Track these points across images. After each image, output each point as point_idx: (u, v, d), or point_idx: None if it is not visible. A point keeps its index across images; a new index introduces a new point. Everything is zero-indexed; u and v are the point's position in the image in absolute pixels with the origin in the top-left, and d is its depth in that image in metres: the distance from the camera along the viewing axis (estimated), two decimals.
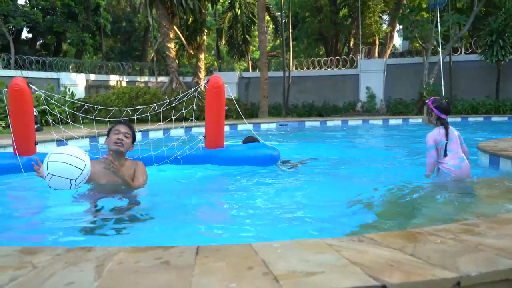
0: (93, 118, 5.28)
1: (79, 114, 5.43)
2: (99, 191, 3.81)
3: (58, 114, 5.85)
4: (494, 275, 1.47)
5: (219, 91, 5.31)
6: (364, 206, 3.68)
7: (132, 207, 3.51)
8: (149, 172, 4.14)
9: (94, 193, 3.77)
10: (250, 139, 5.90)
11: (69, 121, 5.48)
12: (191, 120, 5.93)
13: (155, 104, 5.68)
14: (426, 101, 4.48)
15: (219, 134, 5.46)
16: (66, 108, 5.78)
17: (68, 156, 3.41)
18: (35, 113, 9.77)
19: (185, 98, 5.31)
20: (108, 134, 4.00)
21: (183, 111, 5.55)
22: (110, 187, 3.83)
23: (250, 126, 14.26)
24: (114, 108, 5.50)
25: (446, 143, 4.30)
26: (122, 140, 3.87)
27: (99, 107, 5.71)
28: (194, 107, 5.37)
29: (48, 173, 3.37)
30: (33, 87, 5.21)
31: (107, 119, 5.28)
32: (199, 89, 5.06)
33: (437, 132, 4.29)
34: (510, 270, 1.50)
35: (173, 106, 5.57)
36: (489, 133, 10.46)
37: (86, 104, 5.49)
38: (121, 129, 3.93)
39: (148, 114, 5.56)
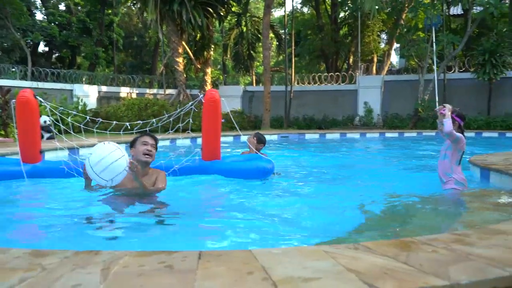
0: (107, 131, 5.36)
1: (92, 126, 5.42)
2: (120, 195, 3.91)
3: (70, 123, 6.01)
4: (483, 284, 1.49)
5: (215, 105, 5.37)
6: (360, 215, 3.73)
7: (149, 212, 3.59)
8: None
9: (114, 198, 3.86)
10: (258, 135, 5.89)
11: (81, 129, 5.55)
12: (187, 131, 5.92)
13: (154, 120, 5.66)
14: (445, 112, 4.15)
15: (215, 146, 5.48)
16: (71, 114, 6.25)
17: (108, 156, 3.50)
18: (49, 122, 10.42)
19: (183, 112, 5.37)
20: (132, 145, 4.10)
21: (190, 120, 5.49)
22: (130, 192, 3.92)
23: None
24: (126, 124, 5.48)
25: (463, 153, 4.26)
26: (151, 151, 3.99)
27: (114, 122, 5.79)
28: (191, 120, 5.40)
29: (108, 180, 3.55)
30: (39, 98, 5.34)
31: (123, 132, 5.46)
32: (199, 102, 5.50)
33: (464, 139, 4.18)
34: (499, 279, 1.52)
35: (180, 117, 5.35)
36: (481, 148, 10.45)
37: (99, 119, 5.76)
38: (149, 141, 4.03)
39: (159, 124, 5.44)
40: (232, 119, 6.28)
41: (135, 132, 5.51)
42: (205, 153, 5.46)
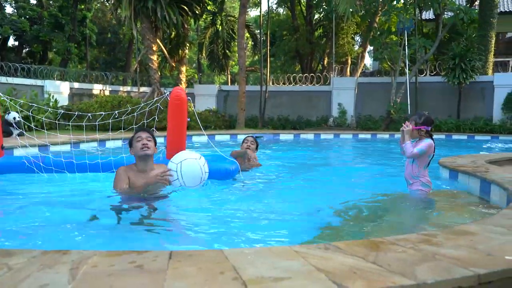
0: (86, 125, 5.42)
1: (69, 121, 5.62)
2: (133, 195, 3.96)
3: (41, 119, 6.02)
4: (449, 283, 1.53)
5: (181, 103, 5.30)
6: (331, 215, 3.77)
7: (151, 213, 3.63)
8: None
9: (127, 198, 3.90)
10: (251, 139, 6.16)
11: (52, 125, 5.57)
12: (152, 130, 5.87)
13: (116, 112, 5.70)
14: (412, 122, 4.28)
15: (180, 145, 5.39)
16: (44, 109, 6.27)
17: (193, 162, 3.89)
18: (18, 118, 10.22)
19: (147, 108, 5.46)
20: (130, 145, 4.16)
21: (156, 118, 5.65)
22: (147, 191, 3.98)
23: (227, 137, 14.89)
24: (88, 114, 5.58)
25: (433, 156, 4.32)
26: (147, 143, 4.03)
27: (89, 114, 5.78)
28: (156, 118, 5.51)
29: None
30: (1, 94, 5.37)
31: (96, 124, 5.44)
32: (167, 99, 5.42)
33: (432, 144, 4.24)
34: (464, 278, 1.56)
35: (154, 114, 5.53)
36: (450, 150, 10.60)
37: (77, 112, 5.70)
38: (142, 135, 4.09)
39: (122, 118, 5.50)
40: (197, 118, 6.27)
41: (100, 127, 5.48)
42: (169, 151, 5.36)
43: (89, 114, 5.48)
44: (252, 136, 6.07)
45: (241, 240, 2.96)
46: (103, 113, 5.68)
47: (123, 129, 5.76)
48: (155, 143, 4.21)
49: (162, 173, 3.83)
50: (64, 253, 1.75)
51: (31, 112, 5.65)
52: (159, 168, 4.14)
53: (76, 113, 5.60)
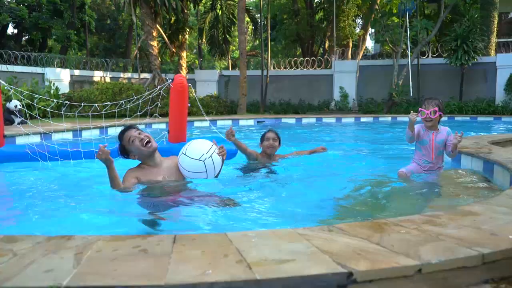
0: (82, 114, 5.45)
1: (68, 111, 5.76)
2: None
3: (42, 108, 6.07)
4: (452, 263, 1.55)
5: (183, 90, 5.61)
6: (335, 198, 3.73)
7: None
8: (120, 163, 4.25)
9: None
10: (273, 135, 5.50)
11: (55, 113, 5.62)
12: (155, 116, 6.10)
13: (122, 102, 5.88)
14: (433, 110, 4.26)
15: (181, 129, 5.74)
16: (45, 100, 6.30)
17: (187, 172, 3.68)
18: (20, 107, 10.21)
19: (152, 95, 5.58)
20: (125, 152, 3.70)
21: (159, 104, 5.72)
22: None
23: (229, 122, 14.86)
24: (95, 105, 5.58)
25: None
26: (144, 138, 3.60)
27: (83, 104, 5.86)
28: (159, 104, 5.56)
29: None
30: (3, 82, 5.34)
31: (97, 113, 5.48)
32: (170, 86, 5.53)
33: None
34: (468, 258, 1.58)
35: (156, 101, 5.55)
36: (453, 132, 10.57)
37: (82, 103, 5.69)
38: (133, 133, 3.64)
39: (127, 106, 5.66)
40: (199, 105, 6.40)
41: (104, 115, 5.62)
42: (171, 136, 5.71)
43: (95, 104, 5.49)
44: (273, 131, 5.28)
45: (245, 224, 2.94)
46: (109, 103, 5.75)
47: (129, 117, 5.86)
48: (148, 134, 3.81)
49: (220, 149, 3.72)
50: (68, 239, 1.75)
51: (36, 103, 5.63)
52: (169, 160, 3.84)
53: (82, 104, 5.62)
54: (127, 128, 3.74)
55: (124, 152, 3.69)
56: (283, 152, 5.57)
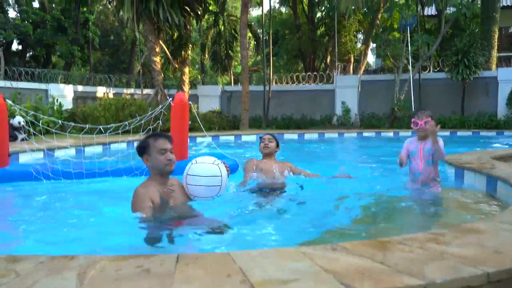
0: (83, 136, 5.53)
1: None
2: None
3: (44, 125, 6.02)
4: (457, 282, 1.52)
5: (184, 107, 5.76)
6: (337, 215, 3.73)
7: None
8: (123, 184, 4.26)
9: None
10: (268, 136, 5.24)
11: (59, 129, 5.69)
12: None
13: (126, 123, 5.89)
14: (426, 118, 4.28)
15: (183, 146, 5.73)
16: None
17: (203, 178, 3.47)
18: (23, 123, 10.25)
19: (153, 115, 5.69)
20: (144, 153, 3.43)
21: (160, 123, 5.71)
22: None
23: (231, 138, 14.89)
24: (99, 127, 5.57)
25: None
26: (172, 158, 3.41)
27: (87, 126, 5.79)
28: (160, 122, 5.59)
29: (190, 194, 3.53)
30: (9, 101, 5.40)
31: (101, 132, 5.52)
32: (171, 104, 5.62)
33: None
34: (473, 277, 1.55)
35: (158, 118, 5.59)
36: (455, 147, 10.29)
37: (87, 125, 5.71)
38: (167, 147, 3.39)
39: (131, 126, 5.73)
40: (199, 121, 6.52)
41: (108, 134, 5.67)
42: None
43: (100, 126, 5.50)
44: (269, 134, 5.21)
45: (247, 242, 2.91)
46: (113, 125, 5.70)
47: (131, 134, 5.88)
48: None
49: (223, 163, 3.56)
50: (71, 258, 1.75)
51: (40, 123, 5.68)
52: (172, 179, 3.60)
53: (87, 126, 5.64)
54: (168, 137, 3.53)
55: (144, 152, 3.43)
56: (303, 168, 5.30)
